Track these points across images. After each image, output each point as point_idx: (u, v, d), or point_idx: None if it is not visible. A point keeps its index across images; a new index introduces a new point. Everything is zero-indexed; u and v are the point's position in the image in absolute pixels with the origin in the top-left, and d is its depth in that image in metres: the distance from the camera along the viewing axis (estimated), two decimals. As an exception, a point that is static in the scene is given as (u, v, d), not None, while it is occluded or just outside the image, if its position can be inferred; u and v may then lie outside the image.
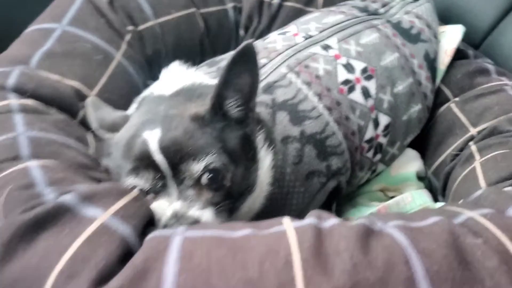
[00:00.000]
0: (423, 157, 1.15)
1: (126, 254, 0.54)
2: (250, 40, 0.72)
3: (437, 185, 1.07)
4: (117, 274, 0.51)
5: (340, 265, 0.52)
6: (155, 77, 1.09)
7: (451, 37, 1.22)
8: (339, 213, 1.08)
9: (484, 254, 0.55)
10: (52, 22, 1.08)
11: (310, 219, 0.59)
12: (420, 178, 1.13)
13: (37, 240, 0.54)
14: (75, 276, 0.51)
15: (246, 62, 0.73)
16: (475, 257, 0.55)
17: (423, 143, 1.15)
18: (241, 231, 0.58)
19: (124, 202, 0.59)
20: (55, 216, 0.56)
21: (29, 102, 0.87)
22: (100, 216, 0.56)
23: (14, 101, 0.86)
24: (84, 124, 0.93)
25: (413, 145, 1.15)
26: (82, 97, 0.97)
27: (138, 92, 1.10)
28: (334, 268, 0.52)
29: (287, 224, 0.58)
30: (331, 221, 0.59)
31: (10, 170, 0.68)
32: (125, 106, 1.01)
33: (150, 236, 0.57)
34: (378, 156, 1.05)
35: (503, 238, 0.57)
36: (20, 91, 0.89)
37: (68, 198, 0.57)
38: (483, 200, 0.70)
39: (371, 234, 0.57)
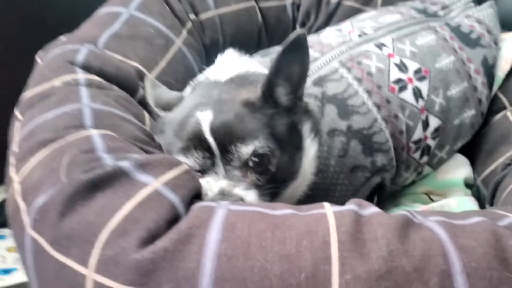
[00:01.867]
0: (473, 164, 1.13)
1: (173, 220, 0.58)
2: (301, 30, 0.74)
3: (486, 194, 1.05)
4: (164, 236, 0.55)
5: (376, 251, 0.53)
6: (210, 65, 1.14)
7: (513, 44, 1.19)
8: (381, 211, 1.08)
9: (526, 257, 0.55)
10: (121, 6, 1.14)
11: (350, 206, 0.60)
12: (468, 185, 1.11)
13: (94, 198, 0.59)
14: (126, 234, 0.55)
15: (297, 52, 0.75)
16: (516, 258, 0.54)
17: (474, 149, 1.13)
18: (282, 210, 0.60)
19: (175, 173, 0.63)
20: (112, 179, 0.60)
21: (95, 78, 0.93)
22: (152, 183, 0.60)
23: (81, 75, 0.92)
24: (142, 103, 0.98)
25: (463, 151, 1.13)
26: (142, 77, 1.03)
27: (193, 77, 1.15)
28: (370, 252, 0.53)
29: (328, 208, 0.60)
30: (371, 209, 0.60)
31: (74, 136, 0.73)
32: (180, 90, 1.06)
33: (196, 205, 0.60)
34: (425, 158, 1.05)
35: (548, 243, 0.56)
36: (87, 68, 0.95)
37: (124, 164, 0.62)
38: (531, 207, 0.69)
39: (410, 225, 0.57)
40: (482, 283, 0.52)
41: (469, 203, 1.04)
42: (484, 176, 1.08)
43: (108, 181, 0.60)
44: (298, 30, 0.73)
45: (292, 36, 0.73)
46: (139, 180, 0.61)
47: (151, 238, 0.54)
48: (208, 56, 1.23)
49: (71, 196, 0.59)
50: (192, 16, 1.20)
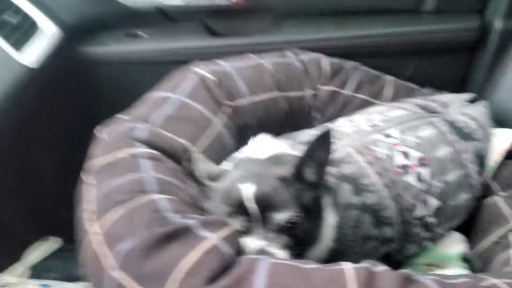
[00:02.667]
0: (469, 240, 1.28)
1: (228, 267, 0.75)
2: (329, 127, 0.95)
3: (478, 266, 1.20)
4: (223, 278, 0.72)
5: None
6: (241, 144, 1.34)
7: (503, 138, 1.39)
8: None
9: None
10: (170, 92, 1.37)
11: (365, 264, 0.77)
12: (466, 260, 1.26)
13: (167, 247, 0.77)
14: (193, 275, 0.72)
15: (324, 142, 0.96)
16: (493, 311, 0.70)
17: (470, 228, 1.29)
18: (311, 265, 0.77)
19: (228, 231, 0.81)
20: (180, 233, 0.78)
21: (153, 151, 1.13)
22: (212, 237, 0.78)
23: (142, 149, 1.12)
24: (185, 171, 1.18)
25: (460, 228, 1.29)
26: (186, 151, 1.23)
27: (227, 154, 1.35)
28: (380, 299, 0.70)
29: (346, 265, 0.77)
30: (381, 267, 0.77)
31: (140, 199, 0.92)
32: (217, 163, 1.25)
33: (246, 257, 0.77)
34: (427, 234, 1.21)
35: (518, 301, 0.72)
36: (147, 143, 1.16)
37: (190, 222, 0.80)
38: (510, 274, 0.85)
39: (411, 280, 0.74)
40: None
41: (465, 275, 1.19)
42: (478, 251, 1.23)
43: (177, 235, 0.78)
44: (327, 128, 0.94)
45: (322, 130, 0.94)
46: (202, 235, 0.79)
47: (214, 279, 0.71)
48: (240, 137, 1.44)
49: (152, 244, 0.77)
50: (229, 102, 1.43)
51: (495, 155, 1.36)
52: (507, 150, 1.37)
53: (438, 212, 1.20)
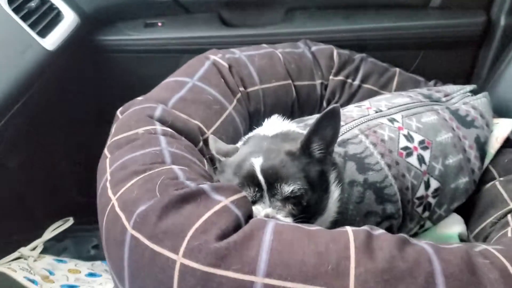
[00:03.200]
0: (467, 223, 1.34)
1: (237, 226, 0.82)
2: (337, 104, 1.01)
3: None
4: (233, 235, 0.78)
5: (381, 255, 0.76)
6: (252, 128, 1.41)
7: (503, 127, 1.44)
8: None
9: (489, 269, 0.76)
10: (186, 77, 1.44)
11: (364, 227, 0.83)
12: (462, 240, 1.32)
13: (184, 208, 0.83)
14: (206, 231, 0.79)
15: (331, 119, 1.02)
16: (482, 270, 0.76)
17: (468, 211, 1.35)
18: (314, 227, 0.84)
19: (238, 196, 0.88)
20: (195, 196, 0.85)
21: (168, 129, 1.21)
22: (224, 201, 0.85)
23: (159, 127, 1.19)
24: (202, 152, 1.25)
25: (459, 210, 1.35)
26: (202, 133, 1.30)
27: (239, 136, 1.43)
28: (377, 256, 0.76)
29: (348, 227, 0.84)
30: (379, 231, 0.83)
31: (160, 168, 0.99)
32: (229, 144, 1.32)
33: (253, 219, 0.84)
34: (427, 213, 1.27)
35: (506, 262, 0.78)
36: (162, 121, 1.23)
37: (204, 186, 0.87)
38: (502, 244, 0.91)
39: (407, 242, 0.80)
40: (456, 283, 0.74)
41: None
42: (476, 232, 1.29)
43: (193, 196, 0.85)
44: (335, 104, 1.00)
45: (330, 107, 1.00)
46: (215, 198, 0.85)
47: (224, 235, 0.78)
48: (251, 121, 1.51)
49: (167, 205, 0.84)
50: (241, 88, 1.50)
51: (494, 143, 1.42)
52: (505, 138, 1.42)
53: (437, 193, 1.26)
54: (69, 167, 2.00)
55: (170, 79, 1.47)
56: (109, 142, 1.21)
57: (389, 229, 1.18)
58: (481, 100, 1.47)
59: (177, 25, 1.91)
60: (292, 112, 1.61)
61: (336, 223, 1.10)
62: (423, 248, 0.79)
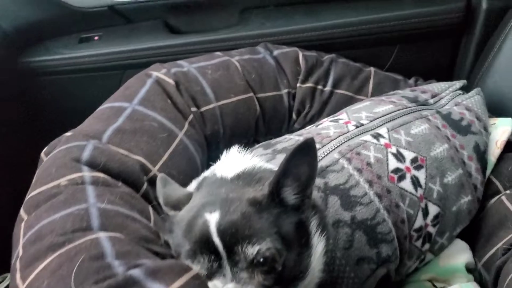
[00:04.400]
0: (473, 249, 1.13)
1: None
2: (310, 137, 0.77)
3: (488, 279, 1.05)
4: None
5: None
6: (212, 155, 1.16)
7: (501, 129, 1.24)
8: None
9: None
10: (124, 101, 1.19)
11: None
12: (470, 270, 1.11)
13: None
14: None
15: (305, 155, 0.78)
16: None
17: (473, 234, 1.14)
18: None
19: (184, 280, 0.63)
20: (124, 288, 0.60)
21: (100, 175, 0.95)
22: (164, 292, 0.60)
23: (87, 173, 0.94)
24: (146, 197, 1.00)
25: (463, 235, 1.14)
26: (146, 171, 1.05)
27: (196, 168, 1.18)
28: None
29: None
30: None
31: (83, 239, 0.74)
32: (183, 180, 1.07)
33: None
34: (427, 246, 1.05)
35: None
36: (93, 165, 0.97)
37: (136, 272, 0.62)
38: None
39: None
40: None
41: (472, 289, 1.03)
42: (485, 260, 1.08)
43: (121, 290, 0.60)
44: (308, 138, 0.76)
45: (302, 140, 0.76)
46: (151, 288, 0.61)
47: None
48: (209, 147, 1.27)
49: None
50: (193, 108, 1.25)
51: (493, 149, 1.21)
52: (505, 142, 1.22)
53: (438, 220, 1.05)
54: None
55: (105, 105, 1.21)
56: (27, 197, 0.95)
57: (387, 277, 0.96)
58: (475, 99, 1.26)
59: (117, 37, 1.64)
60: (256, 130, 1.38)
61: (322, 285, 0.86)
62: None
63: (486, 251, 1.09)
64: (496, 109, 1.36)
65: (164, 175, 0.97)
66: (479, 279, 1.11)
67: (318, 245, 0.84)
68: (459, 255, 1.11)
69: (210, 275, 0.74)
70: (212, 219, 0.76)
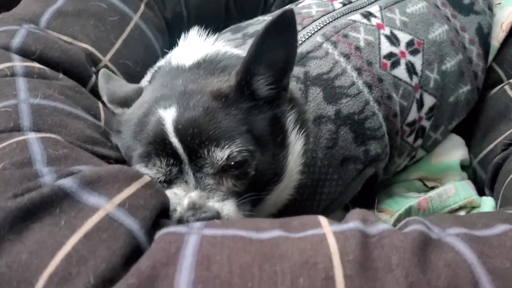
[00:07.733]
0: (468, 145, 1.04)
1: (132, 254, 0.45)
2: (290, 6, 0.60)
3: (484, 177, 0.96)
4: (120, 280, 0.42)
5: (393, 285, 0.42)
6: (175, 44, 0.99)
7: (508, 9, 1.09)
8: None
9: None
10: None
11: (353, 223, 0.49)
12: (464, 167, 1.02)
13: (29, 231, 0.46)
14: (69, 280, 0.42)
15: (282, 33, 0.62)
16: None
17: (470, 128, 1.04)
18: (270, 232, 0.48)
19: (133, 190, 0.50)
20: (51, 204, 0.47)
21: (35, 65, 0.78)
22: (103, 206, 0.47)
23: (18, 63, 0.77)
24: (96, 93, 0.84)
25: (458, 130, 1.03)
26: (95, 62, 0.89)
27: (155, 58, 1.01)
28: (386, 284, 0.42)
29: (325, 226, 0.49)
30: (379, 226, 0.49)
31: (8, 142, 0.59)
32: (141, 73, 0.93)
33: (162, 232, 0.47)
34: (419, 141, 0.95)
35: None
36: (26, 53, 0.80)
37: (67, 182, 0.49)
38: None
39: (429, 244, 0.47)
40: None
41: (467, 188, 0.95)
42: (481, 157, 0.99)
43: (46, 207, 0.47)
44: (287, 7, 0.60)
45: (278, 12, 0.60)
46: (86, 203, 0.48)
47: (104, 284, 0.42)
48: (171, 34, 1.09)
49: (11, 223, 0.45)
50: (151, -14, 1.05)
51: (498, 32, 1.07)
52: (511, 24, 1.06)
53: (433, 112, 0.93)
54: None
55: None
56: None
57: (374, 176, 0.86)
58: (479, -28, 1.08)
59: None
60: (227, 15, 1.19)
61: (302, 188, 0.75)
62: (457, 252, 0.46)
63: (483, 146, 1.00)
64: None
65: (106, 70, 0.81)
66: (473, 177, 1.03)
67: (296, 144, 0.71)
68: (453, 151, 1.02)
69: (169, 182, 0.62)
70: (168, 116, 0.62)
